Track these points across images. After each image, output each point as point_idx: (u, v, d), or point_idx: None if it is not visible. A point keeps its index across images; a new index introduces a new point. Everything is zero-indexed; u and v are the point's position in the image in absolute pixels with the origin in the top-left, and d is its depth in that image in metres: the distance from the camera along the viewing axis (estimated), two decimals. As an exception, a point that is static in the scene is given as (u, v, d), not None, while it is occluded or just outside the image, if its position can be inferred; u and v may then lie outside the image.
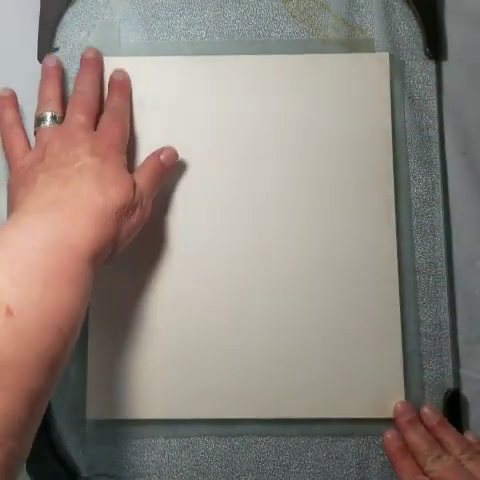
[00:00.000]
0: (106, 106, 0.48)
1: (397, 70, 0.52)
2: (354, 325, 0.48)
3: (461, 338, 0.49)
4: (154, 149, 0.50)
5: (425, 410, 0.47)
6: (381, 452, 0.48)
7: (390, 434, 0.47)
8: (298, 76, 0.51)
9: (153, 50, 0.52)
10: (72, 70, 0.52)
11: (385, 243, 0.49)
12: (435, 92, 0.52)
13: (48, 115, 0.47)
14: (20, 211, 0.40)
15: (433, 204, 0.51)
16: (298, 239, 0.49)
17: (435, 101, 0.52)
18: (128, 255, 0.49)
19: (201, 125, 0.51)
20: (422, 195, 0.51)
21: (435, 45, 0.52)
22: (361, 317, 0.48)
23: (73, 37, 0.53)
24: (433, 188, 0.51)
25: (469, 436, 0.47)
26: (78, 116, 0.46)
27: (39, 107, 0.48)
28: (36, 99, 0.51)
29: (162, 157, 0.47)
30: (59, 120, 0.47)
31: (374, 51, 0.52)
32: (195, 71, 0.51)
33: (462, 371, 0.49)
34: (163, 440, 0.48)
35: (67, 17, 0.53)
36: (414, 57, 0.52)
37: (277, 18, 0.53)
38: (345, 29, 0.53)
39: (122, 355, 0.48)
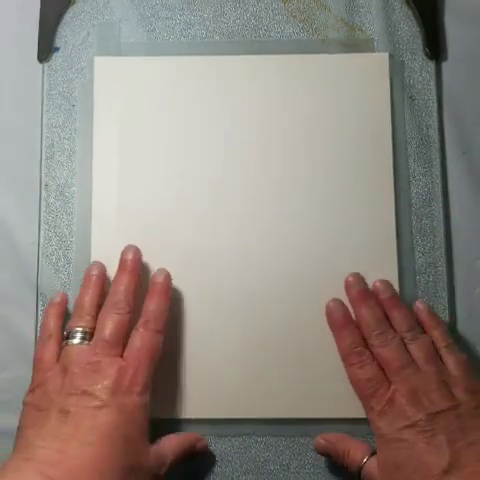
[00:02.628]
0: (143, 313, 0.45)
1: (397, 70, 0.52)
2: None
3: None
4: (154, 149, 0.50)
5: (377, 284, 0.47)
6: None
7: (332, 302, 0.47)
8: (298, 76, 0.51)
9: (153, 50, 0.52)
10: (72, 70, 0.52)
11: (385, 243, 0.49)
12: (435, 92, 0.52)
13: (78, 333, 0.44)
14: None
15: (433, 204, 0.51)
16: (299, 239, 0.49)
17: (435, 101, 0.52)
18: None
19: (201, 125, 0.51)
20: (422, 195, 0.51)
21: (435, 45, 0.52)
22: (361, 317, 0.48)
23: (73, 37, 0.53)
24: (433, 188, 0.51)
25: (420, 304, 0.47)
26: (106, 335, 0.43)
27: (73, 318, 0.45)
28: (37, 99, 0.52)
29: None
30: (89, 337, 0.44)
31: (374, 51, 0.52)
32: (195, 71, 0.51)
33: (462, 371, 0.49)
34: (163, 440, 0.48)
35: (67, 17, 0.53)
36: (414, 57, 0.52)
37: (277, 18, 0.53)
38: (345, 29, 0.53)
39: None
